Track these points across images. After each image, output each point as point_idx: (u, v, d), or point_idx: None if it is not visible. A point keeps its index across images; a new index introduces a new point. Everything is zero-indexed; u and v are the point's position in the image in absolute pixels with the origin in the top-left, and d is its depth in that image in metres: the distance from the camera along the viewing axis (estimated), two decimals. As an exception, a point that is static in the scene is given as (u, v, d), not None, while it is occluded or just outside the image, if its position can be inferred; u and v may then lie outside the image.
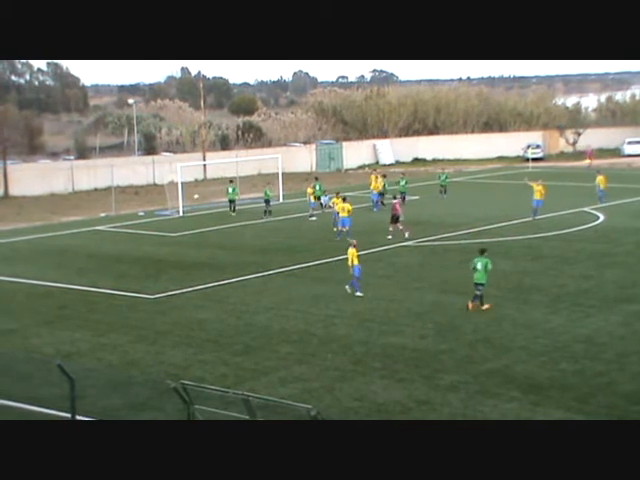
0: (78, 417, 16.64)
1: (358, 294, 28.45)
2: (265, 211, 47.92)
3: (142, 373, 21.69)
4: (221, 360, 22.60)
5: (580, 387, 19.80)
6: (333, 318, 26.26)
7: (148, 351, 23.61)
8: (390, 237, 39.36)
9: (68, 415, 16.67)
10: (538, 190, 43.83)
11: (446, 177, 54.57)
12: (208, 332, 25.24)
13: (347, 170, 75.59)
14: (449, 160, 79.00)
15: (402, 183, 51.54)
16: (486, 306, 26.56)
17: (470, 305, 26.59)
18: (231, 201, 50.28)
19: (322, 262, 34.80)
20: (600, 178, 49.91)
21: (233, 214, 49.29)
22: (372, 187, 50.19)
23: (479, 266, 26.81)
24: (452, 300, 27.91)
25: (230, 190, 50.57)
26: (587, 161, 71.47)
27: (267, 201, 48.22)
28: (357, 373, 21.20)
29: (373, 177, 51.30)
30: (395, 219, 40.10)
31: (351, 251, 28.95)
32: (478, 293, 26.65)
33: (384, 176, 52.97)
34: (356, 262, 28.71)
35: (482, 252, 27.48)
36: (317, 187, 49.15)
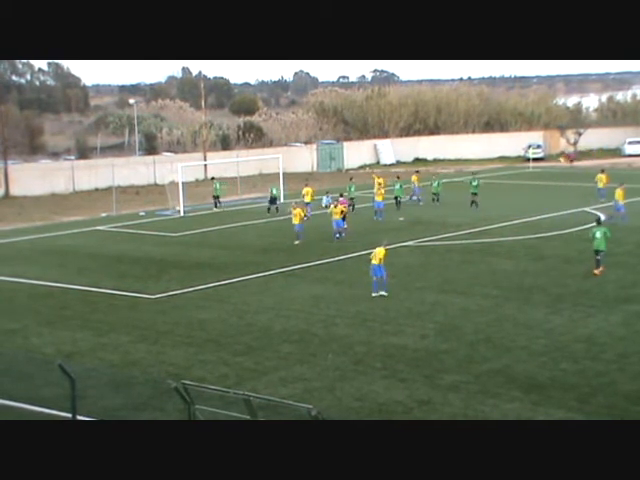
0: (79, 417, 16.64)
1: (383, 293, 28.57)
2: (269, 208, 48.71)
3: (143, 373, 21.69)
4: (222, 360, 22.60)
5: (581, 387, 19.80)
6: (334, 318, 26.26)
7: (149, 351, 23.62)
8: (338, 236, 39.87)
9: (69, 415, 16.67)
10: (620, 193, 42.95)
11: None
12: (209, 332, 25.24)
13: (348, 170, 75.58)
14: (450, 160, 79.06)
15: (434, 185, 50.88)
16: (600, 269, 30.62)
17: (597, 271, 30.64)
18: (216, 197, 52.01)
19: (323, 262, 34.81)
20: (601, 176, 50.08)
21: (216, 209, 51.13)
22: (376, 193, 46.52)
23: (598, 234, 30.85)
24: (453, 300, 27.93)
25: (217, 186, 52.24)
26: (567, 160, 71.75)
27: (273, 199, 49.02)
28: (358, 373, 21.20)
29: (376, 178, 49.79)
30: (342, 217, 40.48)
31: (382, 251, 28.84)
32: (599, 258, 30.71)
33: (397, 177, 52.50)
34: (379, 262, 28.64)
35: (598, 222, 32.05)
36: (351, 189, 48.85)
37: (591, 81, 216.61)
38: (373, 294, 28.60)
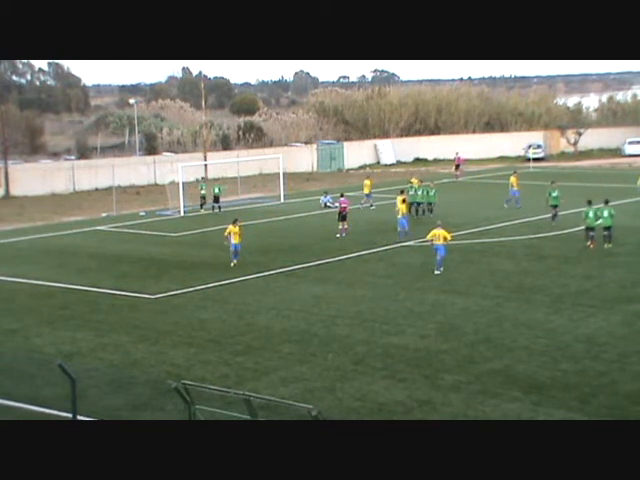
0: (79, 417, 16.64)
1: (437, 272, 31.57)
2: (213, 207, 50.90)
3: (143, 373, 21.69)
4: (222, 360, 22.60)
5: (581, 387, 19.79)
6: (334, 318, 26.26)
7: (149, 351, 23.61)
8: (339, 236, 40.08)
9: (69, 415, 16.67)
10: None
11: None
12: (209, 332, 25.24)
13: (348, 170, 75.59)
14: (450, 160, 78.97)
15: (430, 194, 46.54)
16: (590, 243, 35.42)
17: (593, 245, 35.51)
18: (203, 197, 52.47)
19: (323, 262, 34.80)
20: None
21: (202, 211, 51.48)
22: (398, 207, 40.17)
23: (605, 214, 35.59)
24: (453, 300, 27.92)
25: (204, 187, 52.90)
26: (456, 168, 66.49)
27: (216, 198, 51.15)
28: (358, 373, 21.19)
29: (400, 199, 40.56)
30: (343, 217, 40.63)
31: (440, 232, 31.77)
32: (606, 234, 35.47)
33: (420, 181, 48.33)
34: (442, 242, 31.60)
35: (606, 202, 36.13)
36: (425, 193, 45.92)
37: (591, 81, 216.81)
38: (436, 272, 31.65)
